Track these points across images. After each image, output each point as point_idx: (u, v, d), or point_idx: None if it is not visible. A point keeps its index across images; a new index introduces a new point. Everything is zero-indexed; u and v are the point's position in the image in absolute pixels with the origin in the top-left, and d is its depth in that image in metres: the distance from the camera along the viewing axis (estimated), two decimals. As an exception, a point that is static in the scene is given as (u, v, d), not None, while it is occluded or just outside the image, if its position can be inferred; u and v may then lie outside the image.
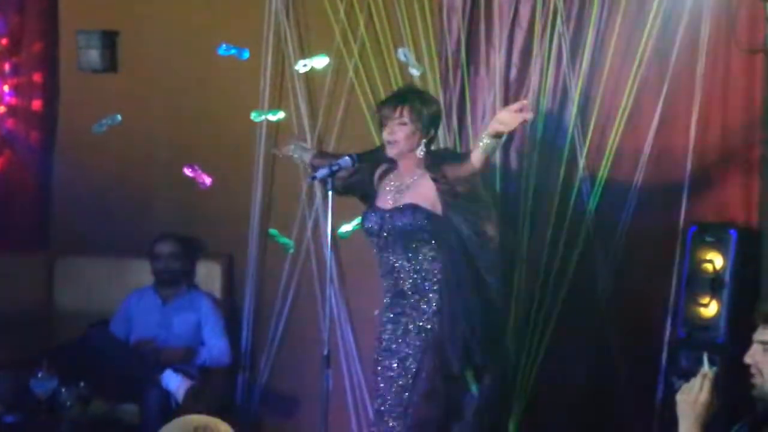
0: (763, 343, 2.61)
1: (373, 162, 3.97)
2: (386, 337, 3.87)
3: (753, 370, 2.61)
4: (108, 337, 4.87)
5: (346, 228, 4.71)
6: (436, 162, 3.80)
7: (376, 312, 3.95)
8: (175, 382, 4.62)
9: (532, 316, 4.49)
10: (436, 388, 3.77)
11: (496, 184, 4.54)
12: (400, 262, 3.83)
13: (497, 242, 3.79)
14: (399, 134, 3.82)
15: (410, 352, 3.80)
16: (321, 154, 4.29)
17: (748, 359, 2.62)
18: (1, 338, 4.81)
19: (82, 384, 4.35)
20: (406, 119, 3.81)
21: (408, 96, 3.89)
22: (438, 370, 3.76)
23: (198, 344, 4.91)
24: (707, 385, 2.52)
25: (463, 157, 3.79)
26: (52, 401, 4.33)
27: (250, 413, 5.05)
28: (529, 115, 3.56)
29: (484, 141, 3.61)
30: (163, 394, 4.62)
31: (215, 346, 4.91)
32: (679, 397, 2.55)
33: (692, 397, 2.52)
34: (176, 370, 4.67)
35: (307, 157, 4.23)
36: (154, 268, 5.00)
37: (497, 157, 4.53)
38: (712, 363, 2.62)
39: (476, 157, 3.65)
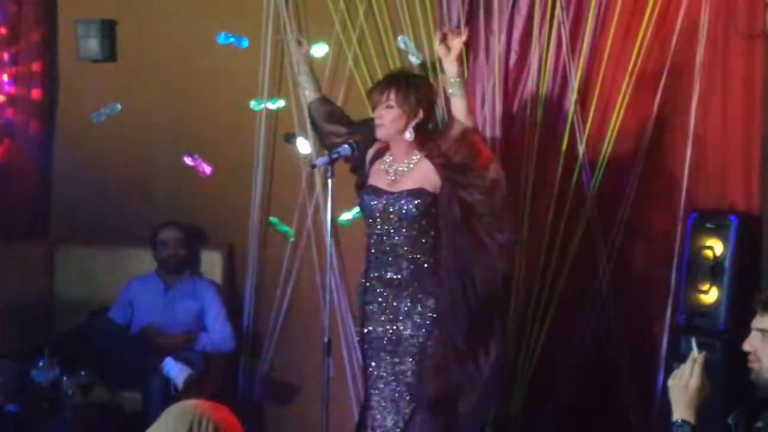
0: (761, 330, 2.61)
1: (368, 135, 3.98)
2: (376, 317, 3.89)
3: (752, 358, 2.61)
4: (109, 325, 4.88)
5: (346, 216, 4.71)
6: (428, 142, 3.85)
7: (367, 298, 3.97)
8: (174, 370, 4.63)
9: (533, 301, 4.50)
10: (443, 363, 3.80)
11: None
12: (400, 244, 3.85)
13: (504, 190, 3.80)
14: (386, 117, 3.85)
15: (409, 332, 3.84)
16: (325, 100, 4.25)
17: (747, 347, 2.63)
18: (2, 327, 4.83)
19: (83, 372, 4.37)
20: (392, 102, 3.84)
21: (396, 79, 3.92)
22: (444, 344, 3.80)
23: (199, 330, 4.93)
24: (697, 369, 2.53)
25: (446, 123, 3.87)
26: (53, 390, 4.34)
27: (251, 400, 5.06)
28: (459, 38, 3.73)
29: (449, 88, 3.73)
30: (164, 381, 4.63)
31: (218, 332, 4.92)
32: (671, 383, 2.56)
33: (683, 383, 2.53)
34: (177, 357, 4.68)
35: (310, 93, 4.22)
36: (159, 255, 5.00)
37: (497, 145, 4.53)
38: (710, 348, 2.63)
39: (456, 110, 3.75)
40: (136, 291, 5.01)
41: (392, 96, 3.84)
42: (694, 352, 2.56)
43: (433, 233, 3.84)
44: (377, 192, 3.91)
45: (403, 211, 3.83)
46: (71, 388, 4.32)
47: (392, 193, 3.87)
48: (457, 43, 3.71)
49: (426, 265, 3.84)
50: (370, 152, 4.01)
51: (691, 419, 2.50)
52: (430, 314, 3.83)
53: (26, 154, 5.37)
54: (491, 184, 3.76)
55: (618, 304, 4.45)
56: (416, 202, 3.82)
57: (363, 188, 3.98)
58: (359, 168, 4.04)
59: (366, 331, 3.94)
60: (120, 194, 5.24)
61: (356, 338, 4.04)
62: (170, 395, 4.54)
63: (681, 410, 2.51)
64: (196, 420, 2.16)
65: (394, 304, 3.87)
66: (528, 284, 4.51)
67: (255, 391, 5.07)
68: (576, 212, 4.49)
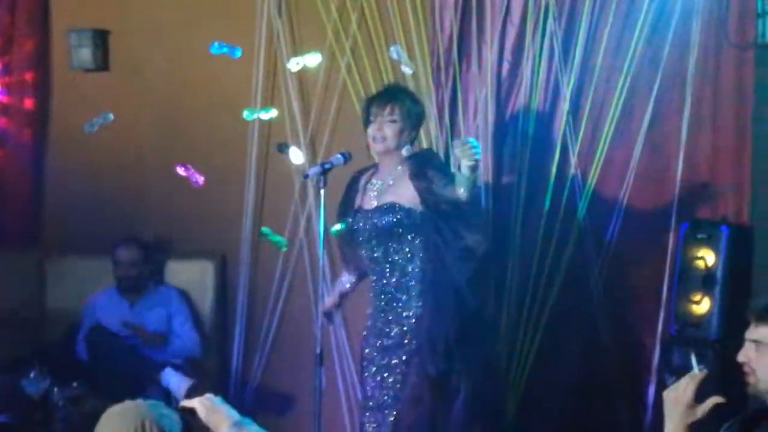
0: (755, 341, 2.60)
1: (351, 199, 3.97)
2: (372, 341, 3.89)
3: (746, 369, 2.60)
4: (107, 338, 4.85)
5: (338, 226, 4.70)
6: (422, 171, 3.79)
7: (369, 311, 3.97)
8: (175, 381, 4.62)
9: (525, 313, 4.49)
10: (422, 395, 3.77)
11: (488, 181, 4.54)
12: (385, 261, 3.84)
13: (479, 254, 3.77)
14: (387, 131, 3.83)
15: (394, 360, 3.82)
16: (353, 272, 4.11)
17: (741, 357, 2.62)
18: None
19: (74, 384, 4.35)
20: (396, 117, 3.82)
21: (399, 94, 3.91)
22: (423, 376, 3.76)
23: (169, 335, 4.92)
24: (692, 386, 2.51)
25: (451, 180, 3.72)
26: (44, 401, 4.32)
27: (242, 411, 5.02)
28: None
29: (459, 177, 3.61)
30: (165, 392, 4.61)
31: (187, 338, 4.93)
32: (665, 394, 2.55)
33: (675, 396, 2.51)
34: (176, 368, 4.67)
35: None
36: (114, 273, 4.99)
37: (489, 156, 4.54)
38: (702, 359, 2.62)
39: (460, 193, 3.64)
40: (101, 309, 4.98)
41: (396, 110, 3.82)
42: (695, 369, 2.54)
43: (413, 251, 3.81)
44: (360, 210, 3.92)
45: (378, 226, 3.83)
46: (62, 400, 4.30)
47: (367, 211, 3.88)
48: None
49: (410, 283, 3.81)
50: (361, 184, 3.97)
51: None
52: (409, 341, 3.80)
53: (18, 164, 5.37)
54: (464, 250, 3.73)
55: (610, 315, 4.44)
56: (390, 214, 3.81)
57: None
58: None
59: (364, 344, 3.94)
60: (112, 204, 5.22)
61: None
62: (171, 407, 4.52)
63: (673, 425, 2.49)
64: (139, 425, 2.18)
65: (392, 312, 3.85)
66: (520, 295, 4.50)
67: (247, 402, 5.05)
68: (568, 222, 4.48)
